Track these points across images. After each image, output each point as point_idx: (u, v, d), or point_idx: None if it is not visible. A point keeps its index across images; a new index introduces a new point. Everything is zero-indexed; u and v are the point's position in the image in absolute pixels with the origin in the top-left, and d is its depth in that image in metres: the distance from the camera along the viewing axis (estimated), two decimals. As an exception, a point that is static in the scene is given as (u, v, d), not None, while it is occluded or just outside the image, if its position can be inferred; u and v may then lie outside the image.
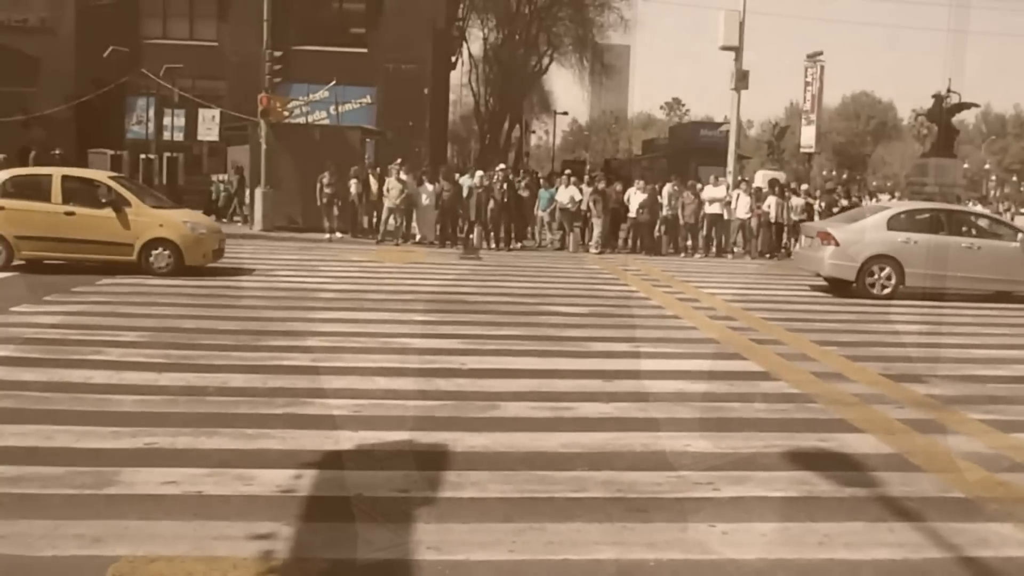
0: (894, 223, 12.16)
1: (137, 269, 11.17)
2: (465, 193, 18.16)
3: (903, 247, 11.90)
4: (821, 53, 26.72)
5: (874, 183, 32.80)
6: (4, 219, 11.09)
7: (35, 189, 11.41)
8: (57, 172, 11.91)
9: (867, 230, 12.18)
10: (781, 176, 25.61)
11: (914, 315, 10.76)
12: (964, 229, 12.51)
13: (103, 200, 11.27)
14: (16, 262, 11.15)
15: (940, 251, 11.87)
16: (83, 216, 11.15)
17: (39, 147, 20.44)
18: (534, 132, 56.58)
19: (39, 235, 11.10)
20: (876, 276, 11.93)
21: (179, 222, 11.66)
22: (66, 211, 11.12)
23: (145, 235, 11.25)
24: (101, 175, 12.36)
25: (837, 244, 12.08)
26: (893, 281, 11.88)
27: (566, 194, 18.46)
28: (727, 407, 5.84)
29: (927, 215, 12.78)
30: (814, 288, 12.94)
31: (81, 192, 11.47)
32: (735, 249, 18.92)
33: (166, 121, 25.68)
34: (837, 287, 12.39)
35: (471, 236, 18.14)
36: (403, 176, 17.62)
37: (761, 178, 23.93)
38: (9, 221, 11.10)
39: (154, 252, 11.27)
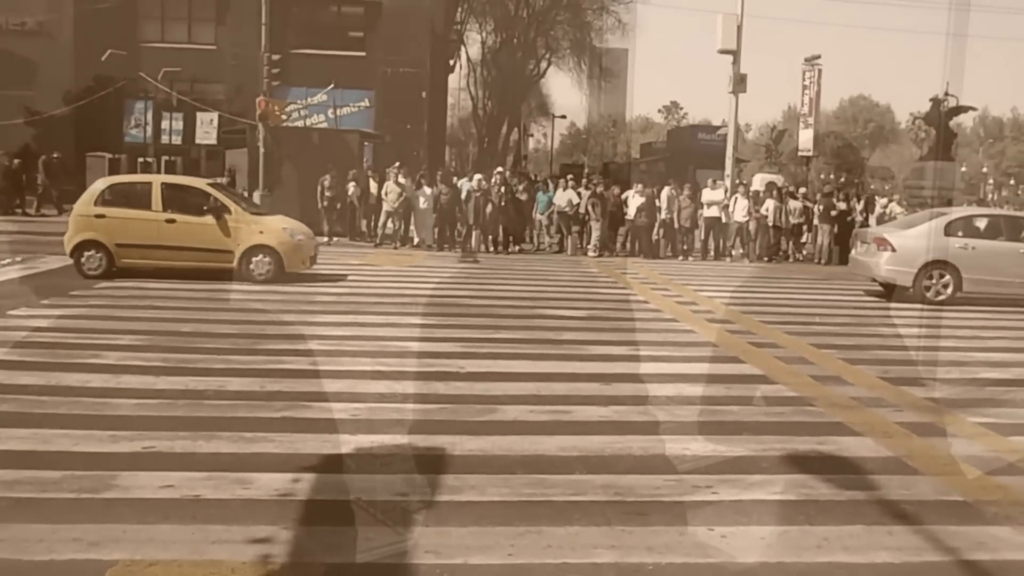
0: (951, 229, 12.18)
1: (237, 276, 11.15)
2: (463, 196, 18.16)
3: (960, 253, 11.91)
4: (819, 57, 26.74)
5: (872, 186, 32.87)
6: (105, 227, 11.12)
7: (135, 197, 11.51)
8: (157, 180, 12.07)
9: (924, 236, 12.21)
10: (779, 179, 25.64)
11: (932, 319, 10.75)
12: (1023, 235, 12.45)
13: (204, 208, 11.28)
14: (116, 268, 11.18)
15: (998, 257, 11.91)
16: (184, 223, 11.15)
17: (35, 150, 20.45)
18: (532, 136, 56.63)
19: (140, 243, 11.15)
20: (933, 282, 11.95)
21: (279, 228, 11.68)
22: (167, 218, 11.14)
23: (246, 242, 11.25)
24: (200, 182, 12.37)
25: (894, 250, 12.12)
26: (950, 288, 11.90)
27: (564, 197, 18.47)
28: (725, 410, 5.84)
29: (985, 221, 12.79)
30: (868, 293, 12.93)
31: (181, 199, 11.49)
32: (733, 252, 18.94)
33: (164, 124, 25.72)
34: (892, 292, 12.37)
35: (469, 239, 18.15)
36: (401, 179, 17.63)
37: (759, 181, 23.95)
38: (110, 229, 11.13)
39: (254, 259, 11.27)
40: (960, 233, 12.12)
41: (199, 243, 11.16)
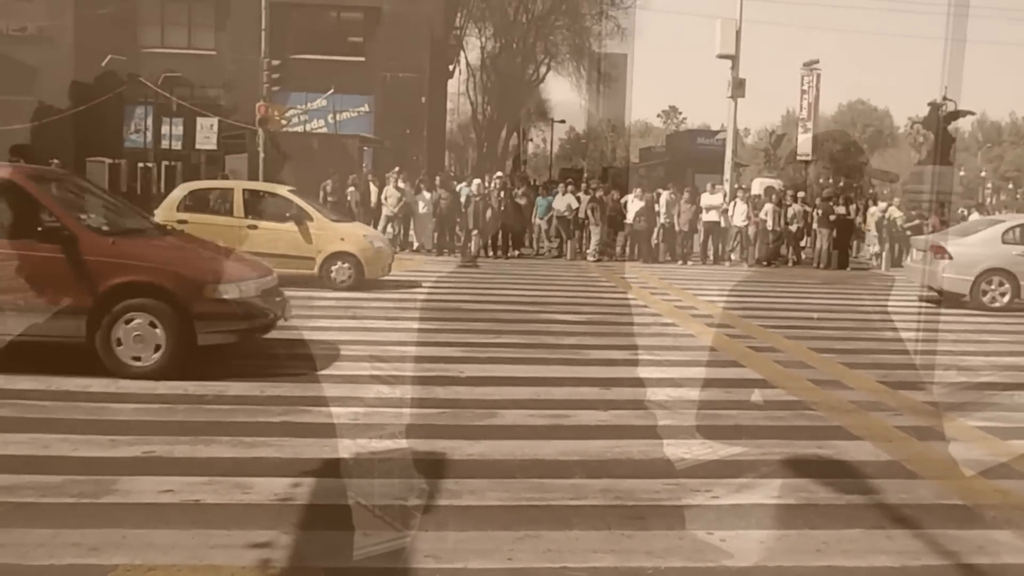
0: (1008, 236, 12.28)
1: (318, 283, 11.15)
2: (463, 201, 18.19)
3: (1018, 260, 12.00)
4: (817, 61, 26.82)
5: (872, 190, 32.89)
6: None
7: (216, 203, 11.51)
8: (239, 185, 12.10)
9: (981, 244, 12.32)
10: (778, 184, 25.68)
11: (945, 323, 10.76)
12: None
13: (286, 214, 11.27)
14: None
15: None
16: (266, 229, 11.15)
17: (34, 154, 20.44)
18: (531, 140, 56.68)
19: None
20: (991, 289, 12.01)
21: (360, 235, 11.74)
22: (249, 224, 11.15)
23: (327, 248, 11.26)
24: (282, 189, 12.38)
25: (950, 258, 12.18)
26: (1008, 295, 11.97)
27: (563, 202, 18.50)
28: (724, 414, 5.84)
29: None
30: (922, 299, 12.87)
31: (262, 206, 11.52)
32: (732, 257, 18.95)
33: (164, 130, 25.71)
34: (949, 300, 12.39)
35: (468, 244, 18.16)
36: (401, 184, 17.65)
37: (758, 186, 23.99)
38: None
39: (335, 266, 11.29)
40: (1017, 240, 12.22)
41: (280, 249, 11.04)
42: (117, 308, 6.05)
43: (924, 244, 13.26)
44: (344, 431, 5.06)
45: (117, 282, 6.06)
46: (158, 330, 6.08)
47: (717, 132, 32.44)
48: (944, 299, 12.50)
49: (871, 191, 32.75)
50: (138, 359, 6.08)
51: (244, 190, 11.60)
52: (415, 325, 8.89)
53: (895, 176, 40.51)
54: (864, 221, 20.54)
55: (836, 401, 6.31)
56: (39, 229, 6.14)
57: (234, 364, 6.73)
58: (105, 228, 6.65)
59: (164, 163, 24.03)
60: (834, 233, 18.73)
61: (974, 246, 12.30)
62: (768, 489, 4.43)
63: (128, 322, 6.07)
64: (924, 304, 12.59)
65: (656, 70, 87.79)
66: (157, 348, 6.09)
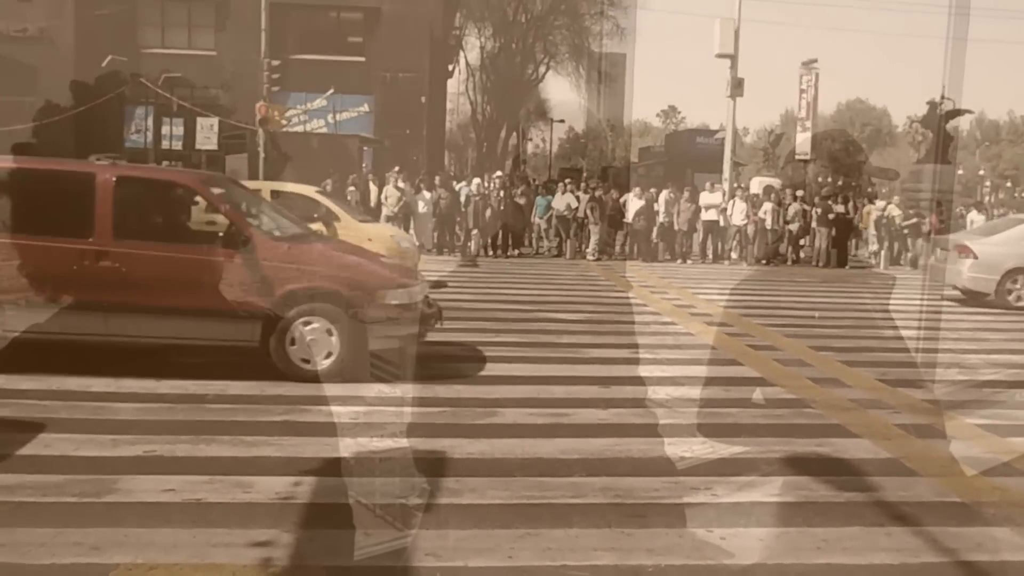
0: None
1: None
2: (462, 200, 18.20)
3: None
4: (816, 60, 26.83)
5: (870, 189, 32.90)
6: None
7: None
8: (266, 187, 12.05)
9: (1006, 243, 12.31)
10: (777, 183, 25.69)
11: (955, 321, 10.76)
12: None
13: (314, 215, 11.23)
14: None
15: None
16: None
17: (36, 153, 20.44)
18: (531, 140, 56.67)
19: None
20: (1016, 288, 12.00)
21: (387, 236, 11.76)
22: None
23: None
24: (309, 190, 12.39)
25: (976, 257, 12.17)
26: None
27: (563, 201, 18.51)
28: (724, 412, 5.85)
29: None
30: (946, 298, 12.84)
31: (289, 207, 11.49)
32: (731, 255, 18.96)
33: (164, 130, 25.70)
34: (973, 299, 12.39)
35: (468, 243, 18.17)
36: (400, 184, 17.66)
37: (757, 185, 24.00)
38: None
39: None
40: None
41: None
42: (293, 312, 6.11)
43: (948, 243, 13.25)
44: (345, 430, 5.07)
45: (294, 287, 6.14)
46: (332, 335, 6.16)
47: (716, 131, 32.44)
48: (968, 298, 12.46)
49: (870, 190, 32.74)
50: (311, 363, 6.14)
51: (271, 191, 11.58)
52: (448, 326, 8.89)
53: (895, 174, 40.50)
54: (860, 220, 20.56)
55: (835, 399, 6.32)
56: (219, 234, 6.29)
57: (234, 362, 6.73)
58: (277, 233, 6.76)
59: (165, 163, 23.98)
60: (833, 232, 18.74)
61: (999, 245, 12.27)
62: (768, 487, 4.44)
63: (303, 327, 6.14)
64: (925, 302, 12.61)
65: (655, 70, 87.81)
66: (330, 353, 6.16)
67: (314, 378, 6.07)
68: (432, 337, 6.96)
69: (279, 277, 6.13)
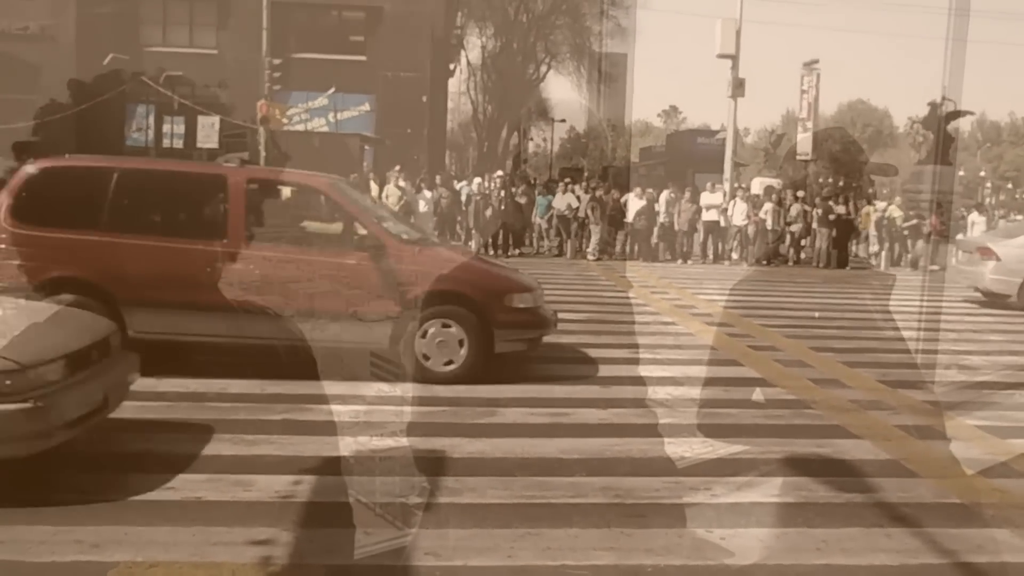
0: None
1: None
2: (463, 200, 18.19)
3: None
4: (817, 61, 26.82)
5: (871, 189, 32.90)
6: None
7: None
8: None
9: None
10: (777, 183, 25.69)
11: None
12: None
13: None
14: None
15: None
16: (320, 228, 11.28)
17: (37, 151, 20.45)
18: (532, 140, 56.64)
19: None
20: None
21: None
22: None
23: None
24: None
25: (998, 259, 12.12)
26: None
27: (564, 201, 18.50)
28: (724, 413, 5.85)
29: None
30: (967, 301, 12.80)
31: (318, 204, 11.54)
32: (732, 256, 18.96)
33: (165, 128, 25.69)
34: (995, 301, 12.30)
35: (469, 243, 18.17)
36: (401, 183, 17.65)
37: (758, 185, 23.99)
38: None
39: None
40: None
41: None
42: (423, 315, 6.18)
43: (970, 245, 13.19)
44: (345, 429, 5.07)
45: (425, 290, 6.21)
46: (461, 338, 6.25)
47: (717, 132, 32.43)
48: (989, 300, 12.42)
49: (871, 190, 32.72)
50: (439, 365, 6.23)
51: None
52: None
53: (894, 169, 40.45)
54: (860, 220, 20.54)
55: (836, 400, 6.32)
56: (352, 237, 6.37)
57: (234, 361, 6.74)
58: (404, 237, 6.81)
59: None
60: (834, 232, 18.73)
61: (1022, 247, 12.20)
62: (768, 487, 4.44)
63: (432, 329, 6.23)
64: (925, 303, 12.61)
65: (656, 70, 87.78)
66: (457, 356, 6.25)
67: (442, 380, 6.14)
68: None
69: (410, 280, 6.19)
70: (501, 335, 6.33)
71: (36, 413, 3.75)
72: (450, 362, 6.24)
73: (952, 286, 13.81)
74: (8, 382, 3.70)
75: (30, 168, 6.56)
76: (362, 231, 6.36)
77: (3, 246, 6.12)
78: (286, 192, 7.07)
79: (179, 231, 6.36)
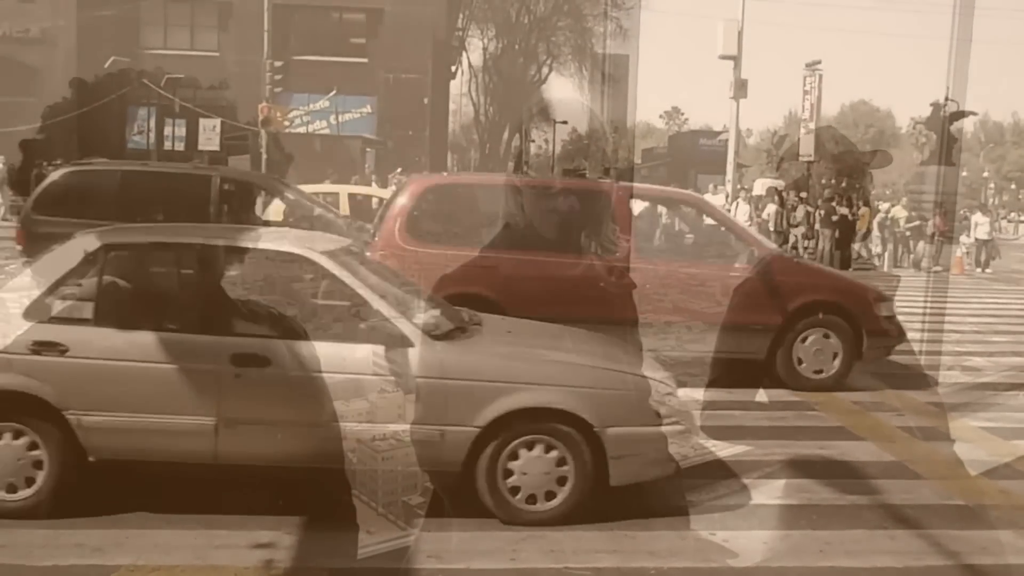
0: None
1: None
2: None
3: None
4: (819, 62, 26.78)
5: (873, 191, 32.84)
6: None
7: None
8: (344, 190, 12.41)
9: None
10: (780, 184, 25.65)
11: None
12: None
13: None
14: None
15: None
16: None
17: (37, 157, 20.49)
18: (534, 141, 56.65)
19: None
20: None
21: None
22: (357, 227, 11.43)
23: None
24: (386, 193, 12.55)
25: None
26: None
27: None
28: (727, 415, 5.83)
29: None
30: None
31: (356, 211, 11.69)
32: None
33: (167, 131, 25.73)
34: None
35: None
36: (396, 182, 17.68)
37: (760, 186, 23.97)
38: None
39: None
40: None
41: None
42: (800, 325, 6.40)
43: None
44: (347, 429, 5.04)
45: (804, 301, 6.42)
46: (837, 347, 6.42)
47: (719, 133, 32.43)
48: None
49: (872, 191, 32.63)
50: (809, 372, 6.43)
51: (349, 194, 11.94)
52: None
53: (888, 157, 40.34)
54: (859, 221, 20.49)
55: (839, 401, 6.30)
56: (735, 251, 6.56)
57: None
58: (776, 248, 7.18)
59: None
60: (836, 234, 18.69)
61: None
62: (771, 489, 4.42)
63: (806, 339, 6.42)
64: (929, 303, 12.56)
65: (659, 71, 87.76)
66: (824, 368, 6.44)
67: (818, 388, 6.33)
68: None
69: (790, 292, 6.37)
70: (871, 343, 6.50)
71: (684, 436, 4.08)
72: (819, 371, 6.43)
73: (953, 287, 13.79)
74: (668, 405, 3.94)
75: (415, 187, 6.74)
76: (740, 243, 6.58)
77: (396, 263, 6.04)
78: (663, 206, 7.61)
79: (567, 247, 6.47)
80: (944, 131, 27.55)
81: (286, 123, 21.14)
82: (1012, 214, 42.87)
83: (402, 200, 6.50)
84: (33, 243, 7.68)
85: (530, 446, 3.76)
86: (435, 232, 6.39)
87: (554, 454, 3.76)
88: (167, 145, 25.55)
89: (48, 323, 3.74)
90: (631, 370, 4.09)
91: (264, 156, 19.08)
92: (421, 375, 3.73)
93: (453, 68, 38.35)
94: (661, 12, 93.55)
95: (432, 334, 3.86)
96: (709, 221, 7.26)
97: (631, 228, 6.44)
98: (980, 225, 20.06)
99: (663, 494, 4.26)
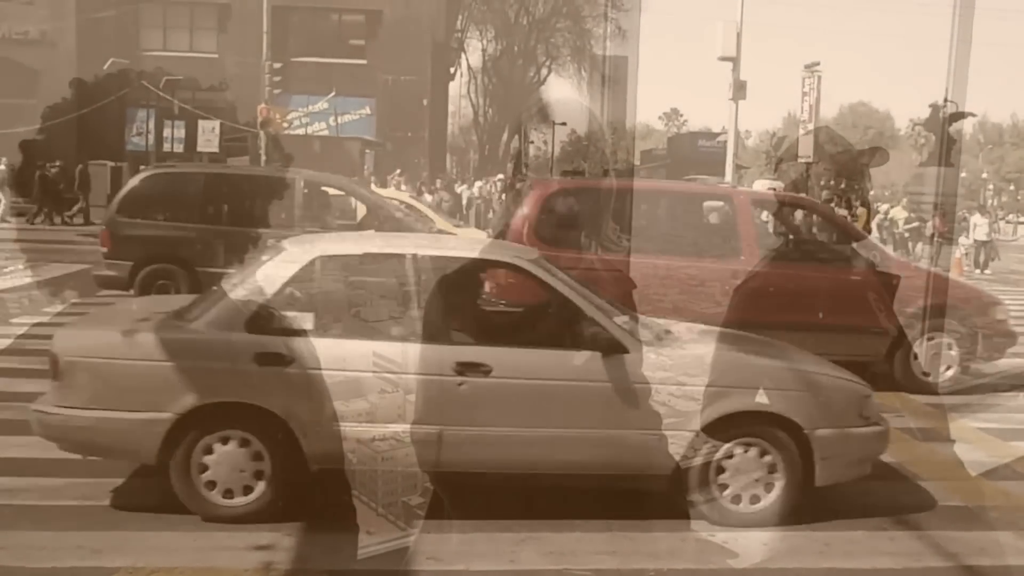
0: None
1: None
2: (464, 203, 18.20)
3: None
4: (818, 63, 26.79)
5: (872, 192, 32.86)
6: None
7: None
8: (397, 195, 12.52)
9: None
10: (779, 186, 25.65)
11: None
12: None
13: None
14: None
15: None
16: None
17: (36, 158, 20.48)
18: (533, 143, 56.71)
19: None
20: None
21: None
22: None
23: None
24: (403, 195, 13.00)
25: None
26: None
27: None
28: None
29: None
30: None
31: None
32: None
33: (166, 133, 25.72)
34: None
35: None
36: (402, 187, 17.67)
37: (759, 188, 23.96)
38: None
39: None
40: None
41: None
42: (917, 329, 6.54)
43: None
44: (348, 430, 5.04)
45: (923, 304, 6.53)
46: (952, 350, 6.64)
47: (718, 134, 32.46)
48: None
49: (871, 191, 32.63)
50: (928, 375, 6.59)
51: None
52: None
53: (884, 154, 40.30)
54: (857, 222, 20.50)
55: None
56: (854, 254, 6.72)
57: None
58: (894, 254, 7.23)
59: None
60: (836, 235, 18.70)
61: None
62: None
63: (928, 342, 6.56)
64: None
65: (658, 72, 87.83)
66: (950, 366, 6.62)
67: (933, 391, 6.47)
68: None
69: (910, 295, 6.47)
70: (986, 345, 6.66)
71: (883, 437, 4.13)
72: (942, 372, 6.59)
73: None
74: (868, 407, 4.02)
75: (540, 190, 6.85)
76: (861, 248, 6.71)
77: None
78: (786, 210, 7.70)
79: (694, 250, 6.56)
80: (943, 132, 27.55)
81: (285, 124, 21.15)
82: (1011, 215, 42.88)
83: (529, 204, 6.57)
84: (118, 245, 8.17)
85: (746, 448, 3.85)
86: (559, 236, 6.46)
87: (765, 457, 3.86)
88: (166, 146, 25.55)
89: (271, 335, 3.75)
90: (834, 373, 4.15)
91: (263, 158, 19.05)
92: (637, 381, 3.77)
93: (452, 70, 38.39)
94: (660, 14, 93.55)
95: (643, 340, 3.92)
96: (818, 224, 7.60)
97: (756, 232, 6.64)
98: (979, 226, 20.09)
99: (662, 495, 4.26)
